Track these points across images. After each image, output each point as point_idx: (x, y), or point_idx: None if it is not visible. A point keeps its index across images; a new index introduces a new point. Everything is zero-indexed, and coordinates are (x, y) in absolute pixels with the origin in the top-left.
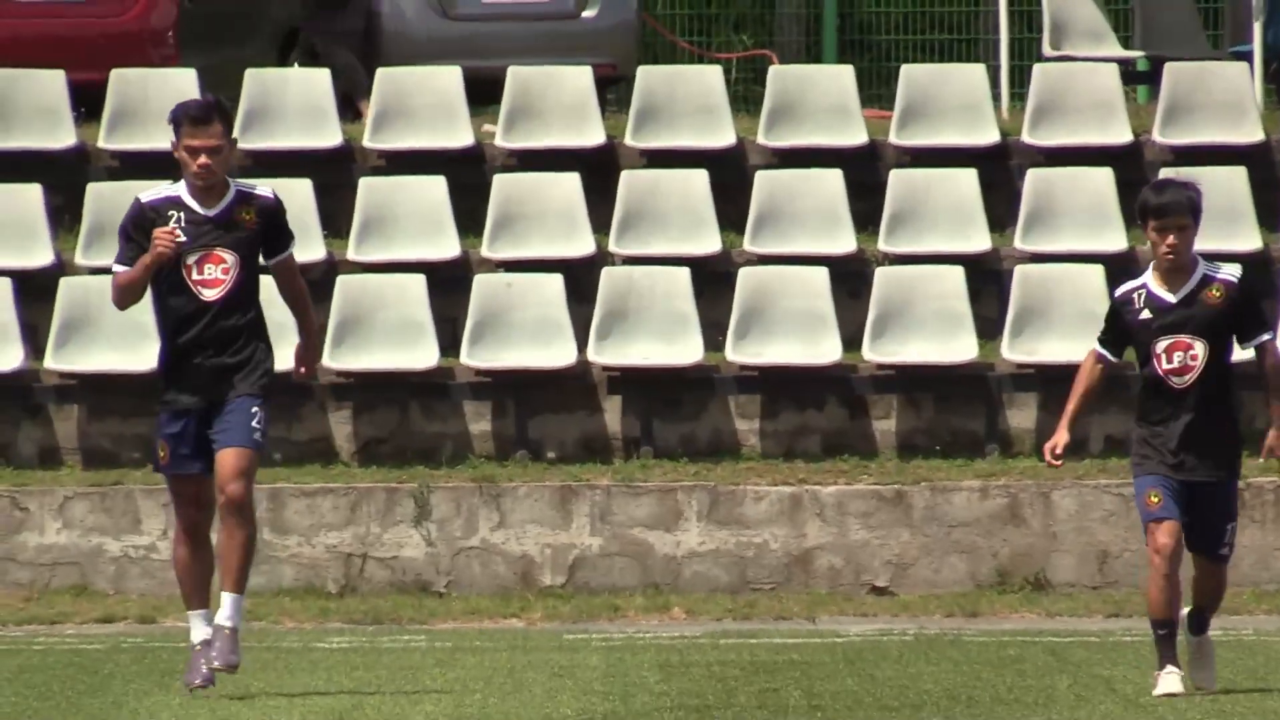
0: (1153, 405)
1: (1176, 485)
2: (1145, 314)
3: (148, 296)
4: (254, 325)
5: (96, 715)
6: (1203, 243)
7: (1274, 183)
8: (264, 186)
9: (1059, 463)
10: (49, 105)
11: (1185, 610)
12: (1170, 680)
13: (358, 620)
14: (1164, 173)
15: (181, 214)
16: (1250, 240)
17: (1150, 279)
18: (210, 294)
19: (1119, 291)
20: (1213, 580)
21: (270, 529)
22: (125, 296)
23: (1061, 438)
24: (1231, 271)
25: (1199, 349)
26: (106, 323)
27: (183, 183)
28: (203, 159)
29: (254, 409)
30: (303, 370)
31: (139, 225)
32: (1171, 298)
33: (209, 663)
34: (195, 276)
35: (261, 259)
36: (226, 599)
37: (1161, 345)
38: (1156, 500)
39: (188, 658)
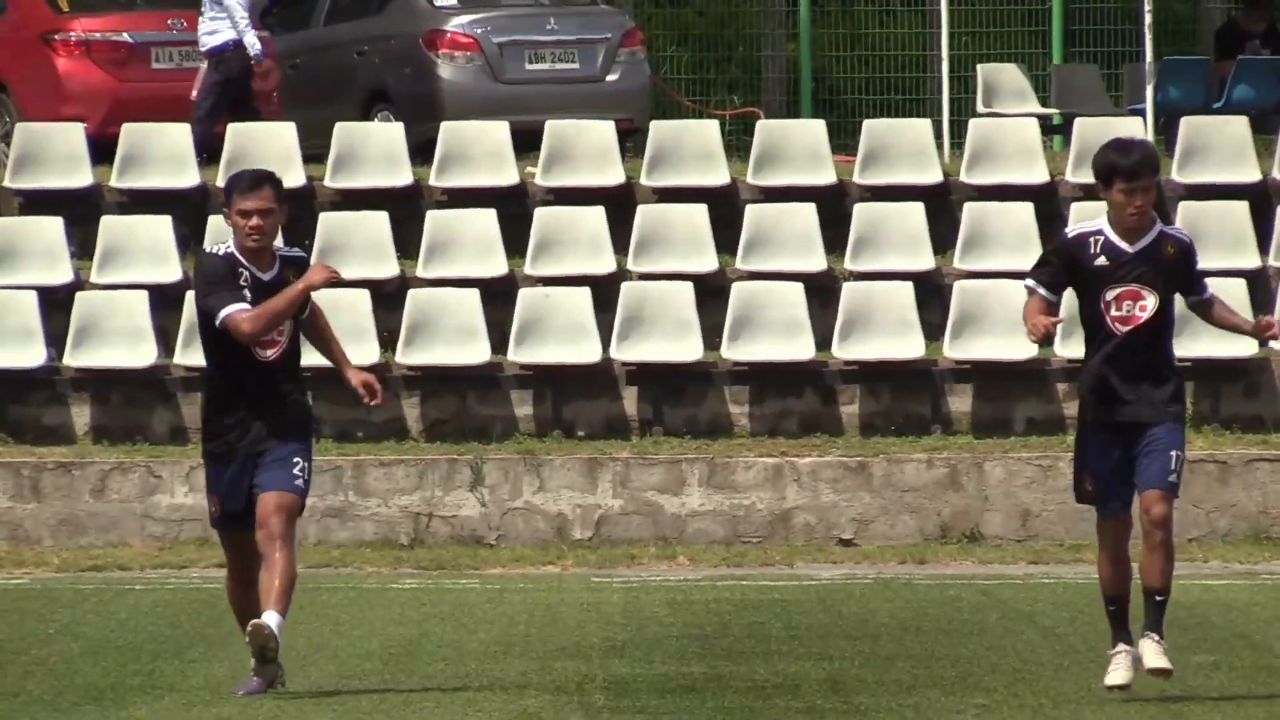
0: (1094, 352)
1: (1113, 452)
2: (1102, 260)
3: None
4: (300, 381)
5: (215, 641)
6: None
7: (1163, 214)
8: (292, 249)
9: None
10: (178, 153)
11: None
12: (1119, 671)
13: (425, 567)
14: (1075, 207)
15: (246, 274)
16: None
17: (1107, 228)
18: (268, 354)
19: (1072, 233)
20: (1160, 532)
21: (354, 492)
22: (269, 325)
23: (1047, 319)
24: (1184, 233)
25: (1149, 300)
26: None
27: (230, 244)
28: (255, 220)
29: (296, 458)
30: (373, 392)
31: (227, 271)
32: (1130, 248)
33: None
34: None
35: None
36: (270, 614)
37: (1113, 293)
38: (1091, 489)
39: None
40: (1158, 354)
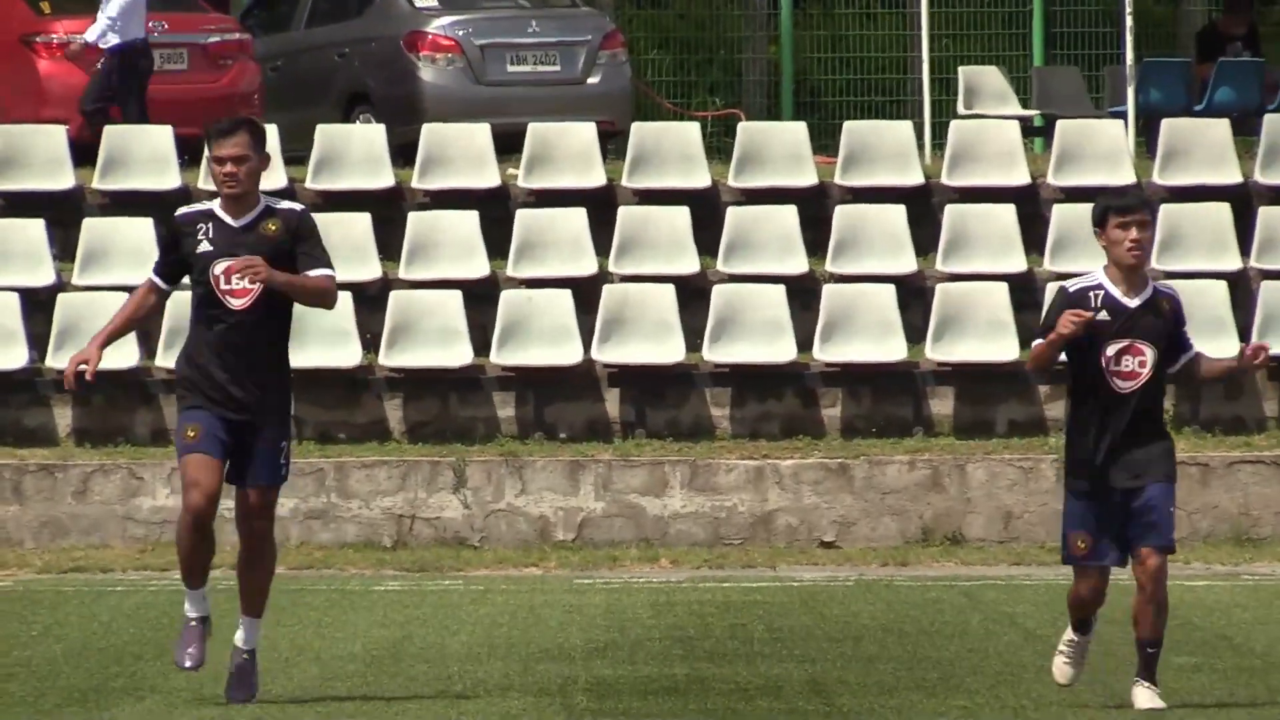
0: (1088, 411)
1: (1104, 512)
2: (1104, 314)
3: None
4: (279, 345)
5: None
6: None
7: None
8: (292, 203)
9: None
10: (159, 155)
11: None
12: (1064, 668)
13: (407, 568)
14: (1056, 209)
15: (210, 225)
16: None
17: (1105, 281)
18: (238, 303)
19: (1072, 288)
20: (1154, 586)
21: (336, 494)
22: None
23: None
24: (1172, 287)
25: (1149, 356)
26: None
27: (218, 199)
28: (229, 167)
29: (282, 444)
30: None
31: (171, 237)
32: (1131, 303)
33: (228, 693)
34: (224, 286)
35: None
36: (245, 623)
37: (1114, 349)
38: (1084, 546)
39: (179, 632)
40: (1154, 413)
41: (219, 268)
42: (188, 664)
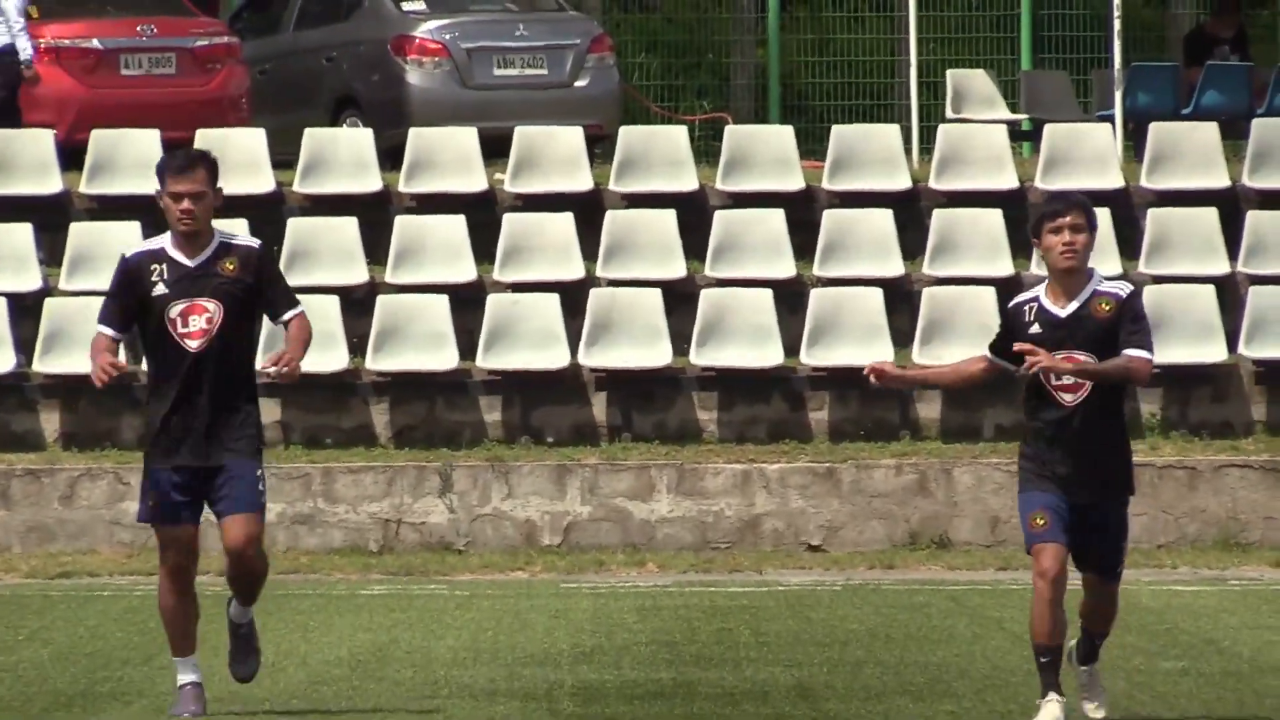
0: (1040, 422)
1: (1064, 505)
2: (1035, 327)
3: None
4: (244, 380)
5: None
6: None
7: (1132, 220)
8: (248, 237)
9: (872, 378)
10: (147, 159)
11: (1073, 642)
12: (1052, 710)
13: (393, 573)
14: None
15: (164, 266)
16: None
17: (1043, 292)
18: (194, 344)
19: (1013, 301)
20: (1105, 602)
21: (322, 499)
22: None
23: (894, 371)
24: (1122, 286)
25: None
26: None
27: (168, 235)
28: (185, 204)
29: (257, 472)
30: (282, 367)
31: (123, 281)
32: (1061, 312)
33: (232, 669)
34: (180, 329)
35: (268, 320)
36: (238, 605)
37: None
38: (1042, 523)
39: (175, 697)
40: (1106, 424)
41: (175, 310)
42: (186, 716)
